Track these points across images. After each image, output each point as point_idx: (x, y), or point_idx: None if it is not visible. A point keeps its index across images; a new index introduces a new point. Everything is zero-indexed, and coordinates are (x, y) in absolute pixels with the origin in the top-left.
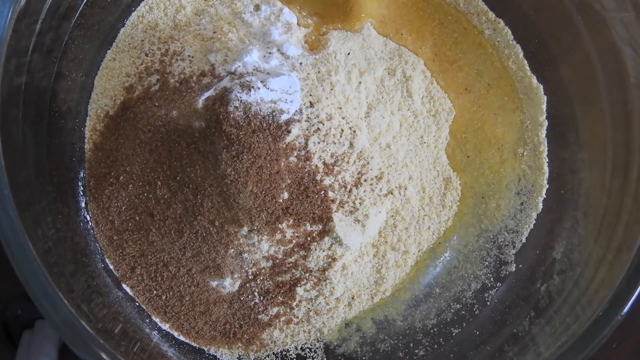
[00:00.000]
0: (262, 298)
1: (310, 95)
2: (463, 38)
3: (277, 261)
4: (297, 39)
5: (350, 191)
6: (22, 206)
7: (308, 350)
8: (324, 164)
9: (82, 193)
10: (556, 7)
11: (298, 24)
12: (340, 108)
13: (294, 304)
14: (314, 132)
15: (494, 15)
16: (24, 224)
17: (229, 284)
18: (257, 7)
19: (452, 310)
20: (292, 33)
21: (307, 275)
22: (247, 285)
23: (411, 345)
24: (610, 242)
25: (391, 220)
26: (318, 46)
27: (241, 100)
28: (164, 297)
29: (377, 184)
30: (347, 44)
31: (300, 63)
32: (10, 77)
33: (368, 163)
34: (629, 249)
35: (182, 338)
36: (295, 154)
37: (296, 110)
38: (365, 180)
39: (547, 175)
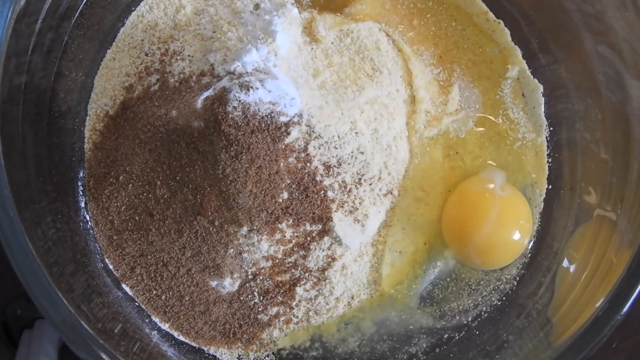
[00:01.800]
0: (261, 298)
1: (310, 102)
2: (463, 39)
3: (277, 261)
4: (299, 29)
5: (350, 191)
6: (22, 206)
7: (308, 349)
8: (324, 165)
9: (82, 193)
10: (556, 7)
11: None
12: (342, 113)
13: (294, 303)
14: (314, 138)
15: (493, 16)
16: (24, 224)
17: (229, 284)
18: (256, 7)
19: (451, 310)
20: (293, 23)
21: (306, 275)
22: (247, 285)
23: (410, 345)
24: (610, 241)
25: (391, 220)
26: (318, 39)
27: (240, 101)
28: (163, 297)
29: (376, 183)
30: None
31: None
32: (10, 77)
33: (368, 163)
34: (629, 249)
35: (181, 338)
36: (295, 155)
37: (296, 113)
38: (364, 180)
39: (547, 175)
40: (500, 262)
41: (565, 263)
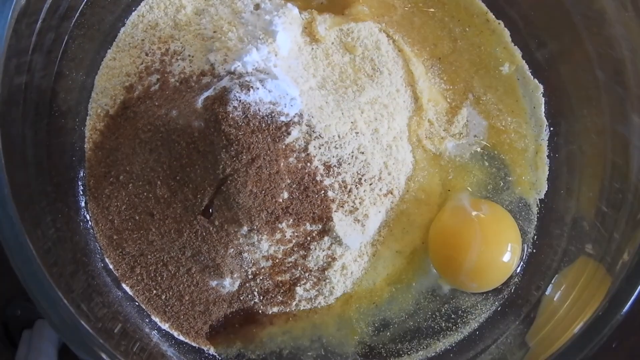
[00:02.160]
0: (261, 297)
1: (310, 102)
2: (463, 39)
3: (277, 261)
4: (299, 29)
5: (350, 191)
6: (22, 206)
7: (308, 349)
8: (324, 165)
9: (82, 193)
10: (556, 7)
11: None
12: (342, 113)
13: (294, 303)
14: (314, 138)
15: (493, 17)
16: (24, 224)
17: (229, 284)
18: (257, 7)
19: (451, 311)
20: (294, 23)
21: (306, 274)
22: (247, 284)
23: (410, 345)
24: (610, 242)
25: (391, 220)
26: (318, 39)
27: (240, 100)
28: (163, 297)
29: (377, 183)
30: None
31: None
32: (10, 77)
33: (369, 163)
34: (629, 249)
35: (181, 338)
36: (295, 155)
37: (296, 113)
38: (365, 180)
39: (547, 175)
40: (498, 279)
41: (565, 263)
